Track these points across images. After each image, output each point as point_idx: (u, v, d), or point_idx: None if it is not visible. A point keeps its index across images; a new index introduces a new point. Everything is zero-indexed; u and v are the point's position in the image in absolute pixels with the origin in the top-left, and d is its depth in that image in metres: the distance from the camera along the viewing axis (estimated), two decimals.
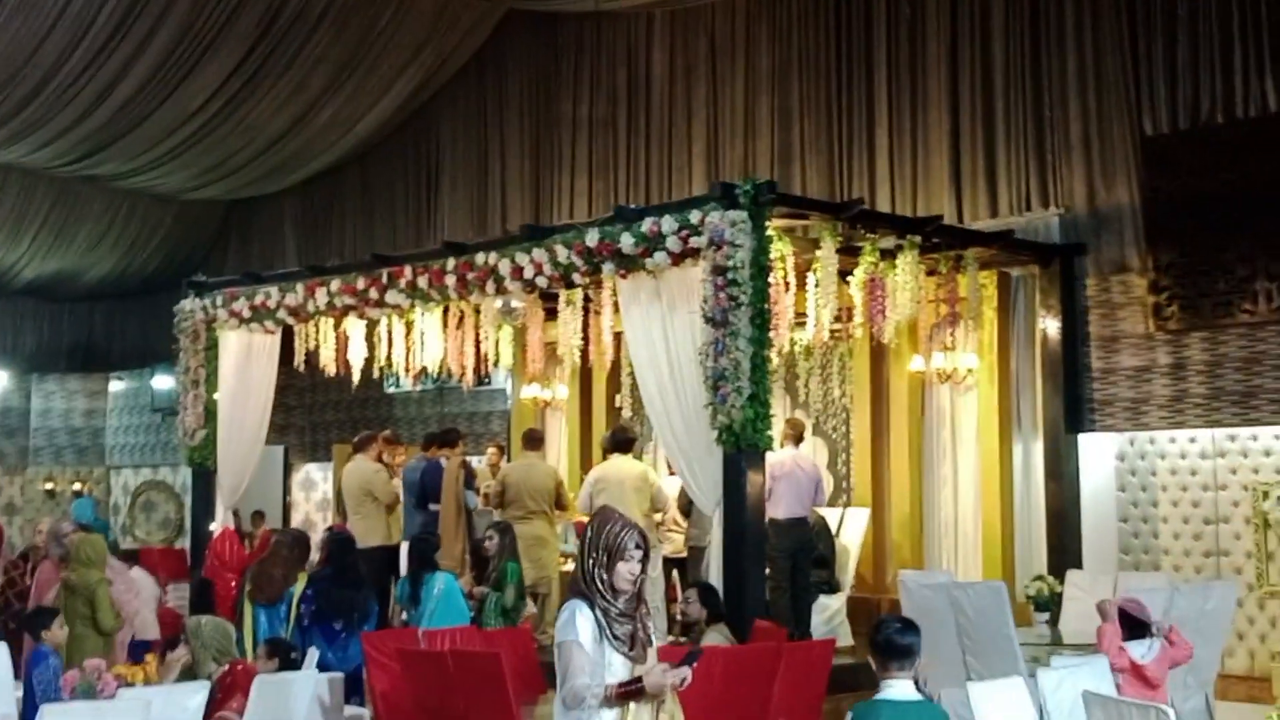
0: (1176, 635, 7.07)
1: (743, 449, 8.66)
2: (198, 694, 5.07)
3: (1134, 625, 7.05)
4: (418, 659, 6.68)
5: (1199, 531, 11.11)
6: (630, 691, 4.30)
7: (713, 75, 14.96)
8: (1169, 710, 4.10)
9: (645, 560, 4.50)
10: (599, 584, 4.44)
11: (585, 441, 14.12)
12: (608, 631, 4.40)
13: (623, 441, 10.76)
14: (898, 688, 4.58)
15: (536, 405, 14.47)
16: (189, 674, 5.96)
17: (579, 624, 4.38)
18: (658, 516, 10.61)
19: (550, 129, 16.49)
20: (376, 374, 13.32)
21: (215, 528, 12.44)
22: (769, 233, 8.93)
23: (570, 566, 12.03)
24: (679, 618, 8.09)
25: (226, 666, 6.13)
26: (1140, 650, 6.85)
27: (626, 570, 4.44)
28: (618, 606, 4.44)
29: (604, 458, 11.29)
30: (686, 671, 4.32)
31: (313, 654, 7.16)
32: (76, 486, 21.23)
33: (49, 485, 21.12)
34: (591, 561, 4.47)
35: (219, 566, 11.05)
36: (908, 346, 11.73)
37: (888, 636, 4.63)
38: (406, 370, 12.70)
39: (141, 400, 20.98)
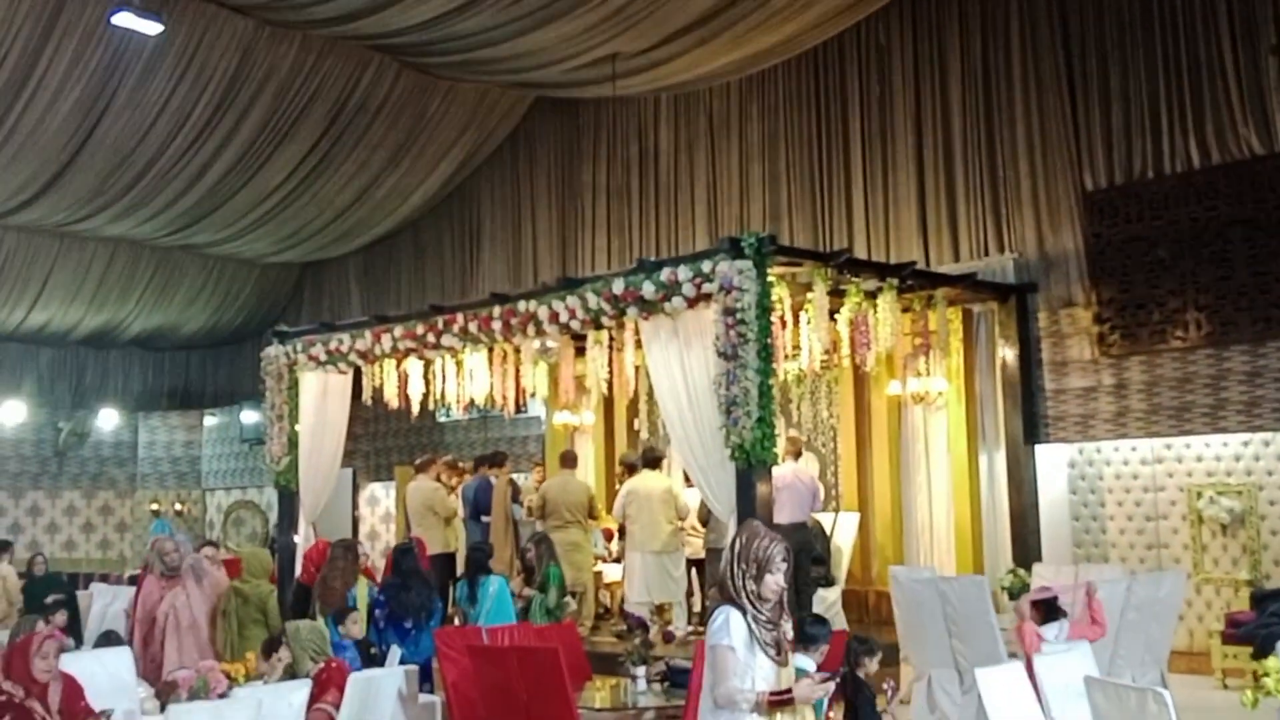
0: (1099, 614, 6.87)
1: (752, 464, 8.50)
2: (300, 690, 4.86)
3: (1049, 610, 6.90)
4: (485, 653, 6.45)
5: (1142, 528, 10.94)
6: (781, 701, 4.05)
7: (711, 147, 14.86)
8: (1165, 693, 3.86)
9: (789, 571, 4.22)
10: (747, 594, 4.15)
11: (609, 460, 13.96)
12: (758, 638, 4.12)
13: (652, 460, 10.64)
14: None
15: (567, 430, 14.28)
16: (289, 672, 5.73)
17: (733, 629, 4.11)
18: (680, 523, 10.43)
19: (574, 195, 16.39)
20: (431, 406, 13.15)
21: (299, 539, 12.26)
22: (770, 279, 8.79)
23: (600, 568, 11.87)
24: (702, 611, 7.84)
25: (322, 664, 5.91)
26: (1052, 633, 6.81)
27: (774, 581, 4.15)
28: (764, 614, 4.15)
29: (628, 474, 11.16)
30: (831, 685, 4.12)
31: (395, 652, 6.96)
32: (177, 507, 21.12)
33: (154, 506, 21.00)
34: (741, 572, 4.17)
35: (315, 572, 10.82)
36: (886, 373, 11.60)
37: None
38: (457, 402, 12.52)
39: (231, 433, 20.86)
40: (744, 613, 4.10)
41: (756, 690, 4.02)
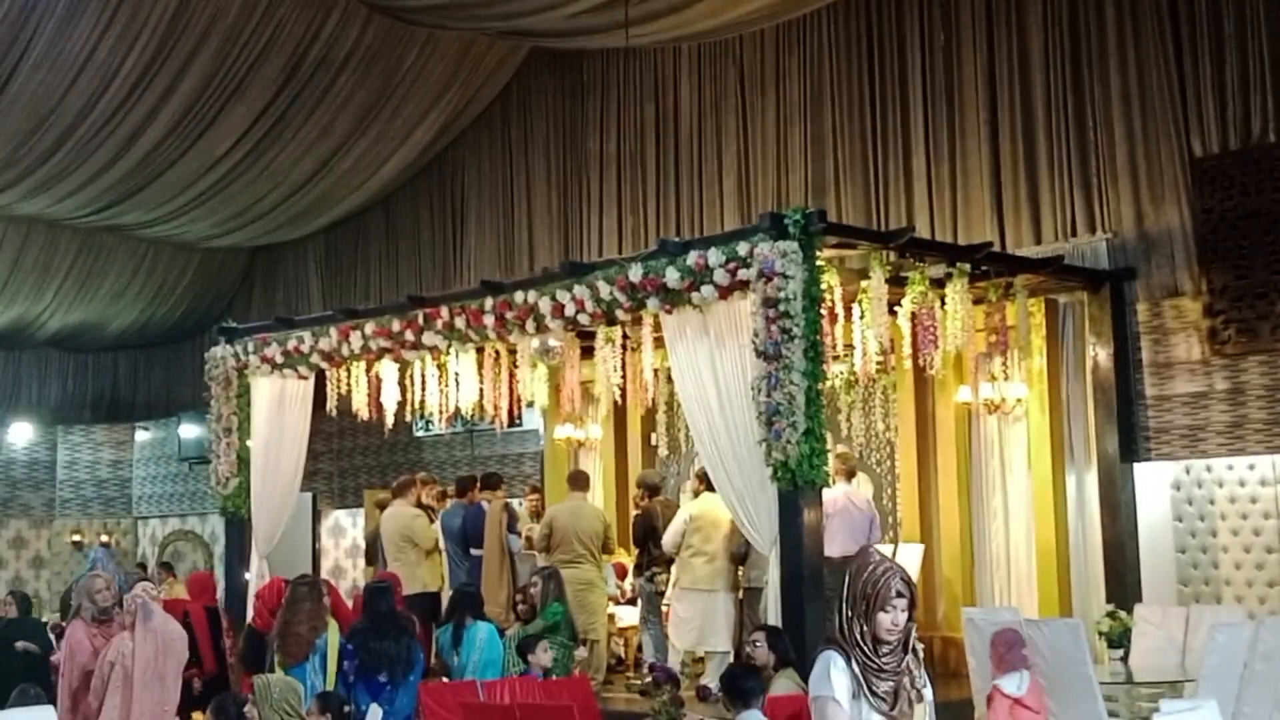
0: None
1: (799, 485, 8.51)
2: None
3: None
4: (482, 712, 6.39)
5: (1261, 561, 10.87)
6: None
7: (743, 107, 14.81)
8: None
9: (912, 607, 4.06)
10: (857, 636, 4.03)
11: (620, 483, 13.91)
12: (865, 688, 4.00)
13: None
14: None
15: (570, 445, 14.25)
16: None
17: (834, 678, 3.99)
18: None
19: (577, 166, 16.37)
20: (408, 417, 13.12)
21: (250, 577, 12.22)
22: (819, 263, 8.75)
23: (613, 610, 11.82)
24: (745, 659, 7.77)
25: None
26: (1013, 685, 6.96)
27: (888, 620, 4.01)
28: (878, 661, 4.02)
29: (646, 497, 11.14)
30: None
31: (375, 712, 6.91)
32: (103, 538, 21.09)
33: (76, 537, 21.03)
34: (850, 611, 4.05)
35: (266, 614, 10.77)
36: (954, 377, 11.53)
37: (731, 680, 5.69)
38: (440, 413, 12.48)
39: (168, 449, 20.86)
40: (849, 658, 4.01)
41: None
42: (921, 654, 4.18)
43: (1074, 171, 12.04)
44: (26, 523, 21.12)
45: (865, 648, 4.02)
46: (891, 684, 4.02)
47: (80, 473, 21.49)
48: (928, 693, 4.15)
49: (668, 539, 10.50)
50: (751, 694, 5.62)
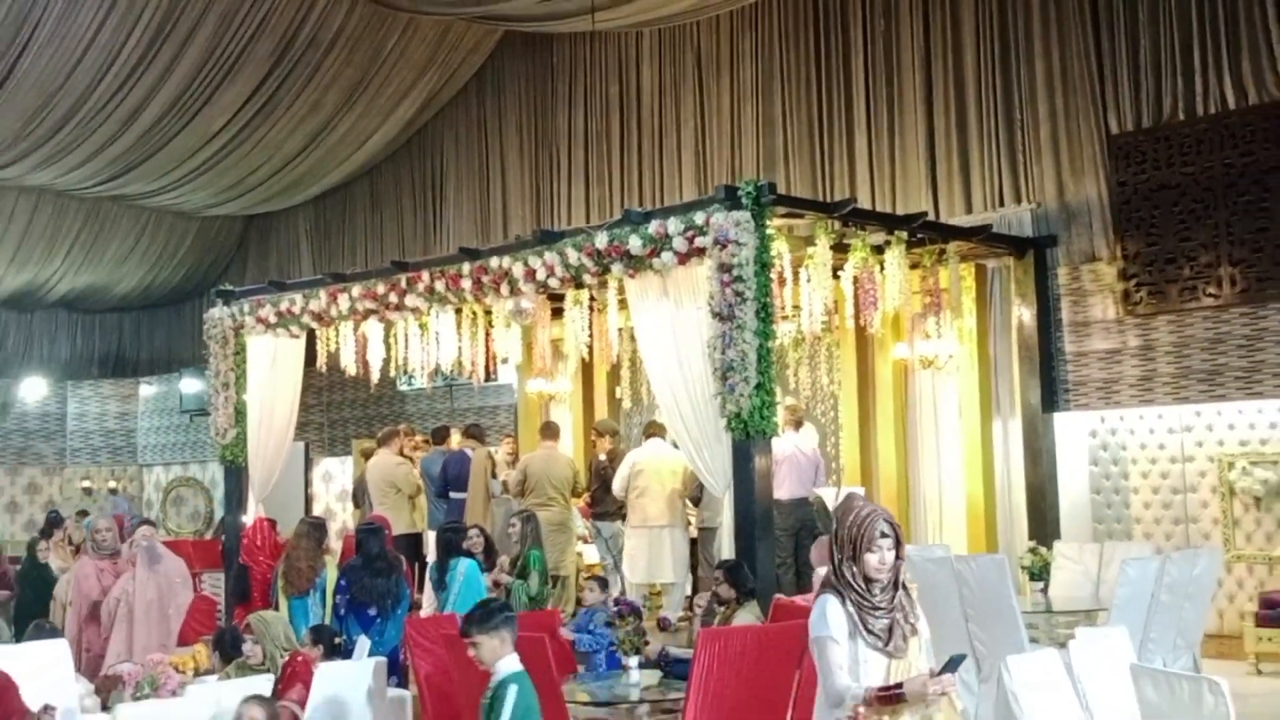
0: None
1: (750, 435, 8.49)
2: (263, 687, 4.80)
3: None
4: (458, 643, 6.39)
5: (1168, 501, 10.99)
6: (889, 697, 3.83)
7: (699, 87, 14.75)
8: (1221, 681, 3.85)
9: (898, 546, 4.00)
10: (849, 577, 3.98)
11: (588, 432, 13.90)
12: (861, 626, 3.94)
13: (656, 430, 10.63)
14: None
15: (541, 399, 14.23)
16: (253, 669, 5.68)
17: (830, 618, 3.94)
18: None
19: (548, 141, 16.28)
20: (392, 373, 13.07)
21: (248, 519, 12.21)
22: (769, 231, 8.73)
23: (580, 549, 11.83)
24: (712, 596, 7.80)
25: (287, 657, 5.87)
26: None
27: (876, 560, 3.96)
28: (871, 599, 3.96)
29: (600, 439, 11.27)
30: (951, 679, 3.82)
31: (363, 643, 6.92)
32: (111, 484, 21.00)
33: (86, 483, 20.92)
34: (840, 554, 4.00)
35: (254, 551, 10.78)
36: (892, 336, 11.60)
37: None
38: (422, 369, 12.44)
39: (170, 403, 20.75)
40: (844, 599, 3.97)
41: (864, 686, 3.86)
42: (915, 592, 4.14)
43: (1001, 147, 12.07)
44: (40, 470, 21.01)
45: (858, 588, 3.97)
46: (886, 621, 3.97)
47: (89, 424, 21.35)
48: (922, 627, 4.10)
49: (617, 484, 10.54)
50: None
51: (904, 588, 4.05)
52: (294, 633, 7.35)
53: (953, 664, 3.88)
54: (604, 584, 8.65)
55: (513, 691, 4.55)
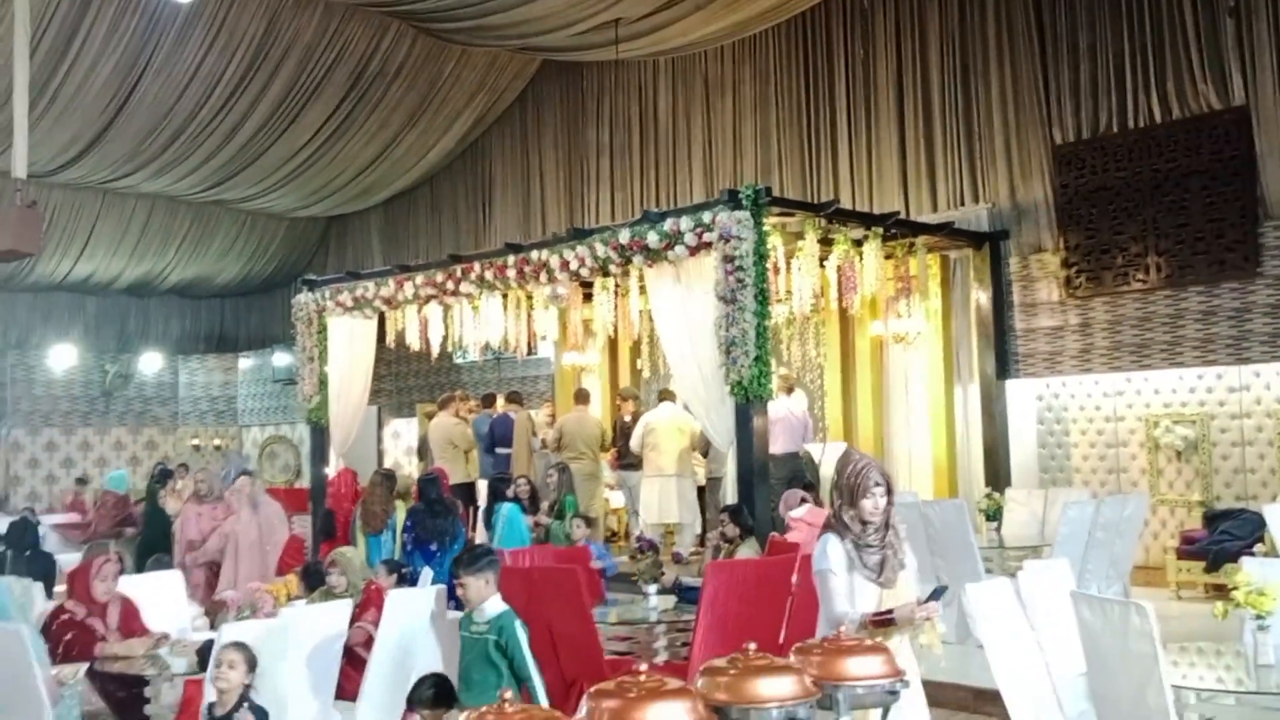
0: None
1: (750, 399, 8.53)
2: (345, 610, 4.82)
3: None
4: (508, 574, 6.40)
5: (1103, 454, 10.92)
6: (882, 621, 3.81)
7: (707, 107, 14.64)
8: (1147, 605, 3.83)
9: (890, 493, 3.97)
10: (846, 519, 3.93)
11: (614, 397, 13.91)
12: (857, 561, 3.89)
13: (667, 395, 10.61)
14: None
15: (574, 370, 14.23)
16: (336, 595, 5.70)
17: (830, 554, 3.91)
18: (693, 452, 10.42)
19: (580, 153, 16.19)
20: (449, 348, 13.08)
21: (330, 471, 12.26)
22: (765, 228, 8.70)
23: (608, 495, 11.86)
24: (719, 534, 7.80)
25: (362, 586, 5.89)
26: (800, 512, 7.69)
27: (870, 504, 3.91)
28: (866, 538, 3.91)
29: (623, 403, 11.14)
30: (935, 606, 3.80)
31: (426, 573, 6.94)
32: (216, 442, 21.10)
33: (195, 441, 21.00)
34: (839, 500, 3.96)
35: (339, 498, 10.82)
36: (869, 315, 11.56)
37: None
38: (474, 344, 12.45)
39: (264, 374, 20.80)
40: (842, 538, 3.93)
41: (860, 612, 3.84)
42: (904, 532, 4.07)
43: (962, 155, 11.96)
44: (156, 430, 21.11)
45: (854, 528, 3.93)
46: (878, 556, 3.93)
47: (197, 391, 21.43)
48: (910, 561, 4.05)
49: (634, 440, 10.56)
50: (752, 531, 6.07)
51: (894, 528, 4.02)
52: (369, 565, 7.40)
53: (937, 594, 3.87)
54: (589, 522, 8.62)
55: (519, 626, 4.40)
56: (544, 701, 4.40)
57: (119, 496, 12.98)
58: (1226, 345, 10.12)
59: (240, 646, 4.43)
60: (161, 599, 6.62)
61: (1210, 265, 10.20)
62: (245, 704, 4.31)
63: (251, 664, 4.37)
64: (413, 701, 4.25)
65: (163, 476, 12.98)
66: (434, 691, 4.26)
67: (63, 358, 19.87)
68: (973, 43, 11.93)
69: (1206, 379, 10.31)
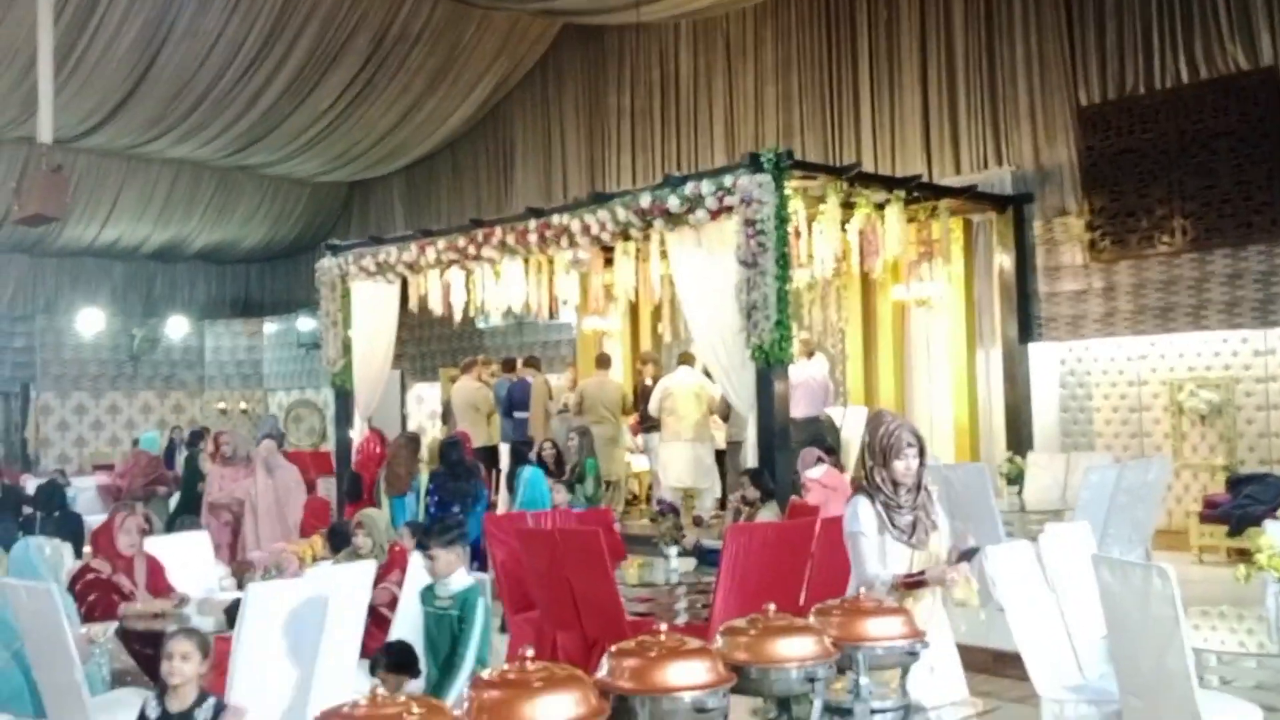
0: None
1: (771, 364, 8.49)
2: (370, 571, 4.86)
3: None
4: (531, 536, 6.45)
5: (1126, 419, 10.87)
6: (914, 582, 3.78)
7: (729, 70, 14.52)
8: (1168, 568, 3.80)
9: (922, 454, 3.88)
10: (879, 480, 3.85)
11: (635, 362, 13.88)
12: (888, 523, 3.82)
13: (686, 359, 10.56)
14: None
15: (596, 334, 14.17)
16: (362, 556, 5.74)
17: (861, 516, 3.84)
18: (711, 416, 10.39)
19: (601, 117, 16.11)
20: (471, 313, 13.09)
21: (354, 434, 12.32)
22: (786, 192, 8.64)
23: (629, 459, 11.86)
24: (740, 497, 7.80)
25: (387, 547, 5.94)
26: (817, 473, 7.76)
27: (902, 466, 3.83)
28: (898, 500, 3.83)
29: (644, 366, 11.15)
30: (966, 567, 3.75)
31: None
32: (243, 405, 21.25)
33: (221, 404, 21.16)
34: (871, 461, 3.88)
35: (366, 460, 10.88)
36: (891, 279, 11.42)
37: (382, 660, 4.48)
38: (496, 309, 12.43)
39: (289, 338, 20.91)
40: (874, 500, 3.86)
41: (892, 573, 3.78)
42: (935, 493, 4.01)
43: (986, 117, 11.83)
44: (184, 393, 21.28)
45: (886, 490, 3.86)
46: (910, 518, 3.86)
47: (223, 355, 21.57)
48: (942, 523, 3.98)
49: (651, 404, 10.53)
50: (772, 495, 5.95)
51: (926, 490, 3.95)
52: (393, 527, 7.45)
53: (968, 554, 3.84)
54: (570, 487, 8.60)
55: (481, 603, 4.21)
56: (456, 692, 4.13)
57: (151, 457, 13.11)
58: (1252, 308, 10.02)
59: (190, 634, 4.00)
60: (190, 559, 6.68)
61: (1237, 227, 10.08)
62: (208, 699, 3.85)
63: (206, 651, 3.93)
64: (375, 666, 4.10)
65: (194, 438, 13.13)
66: (394, 659, 4.11)
67: (91, 322, 20.02)
68: (998, 2, 11.76)
69: (1231, 342, 10.22)
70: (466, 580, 4.27)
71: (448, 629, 4.13)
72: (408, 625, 4.86)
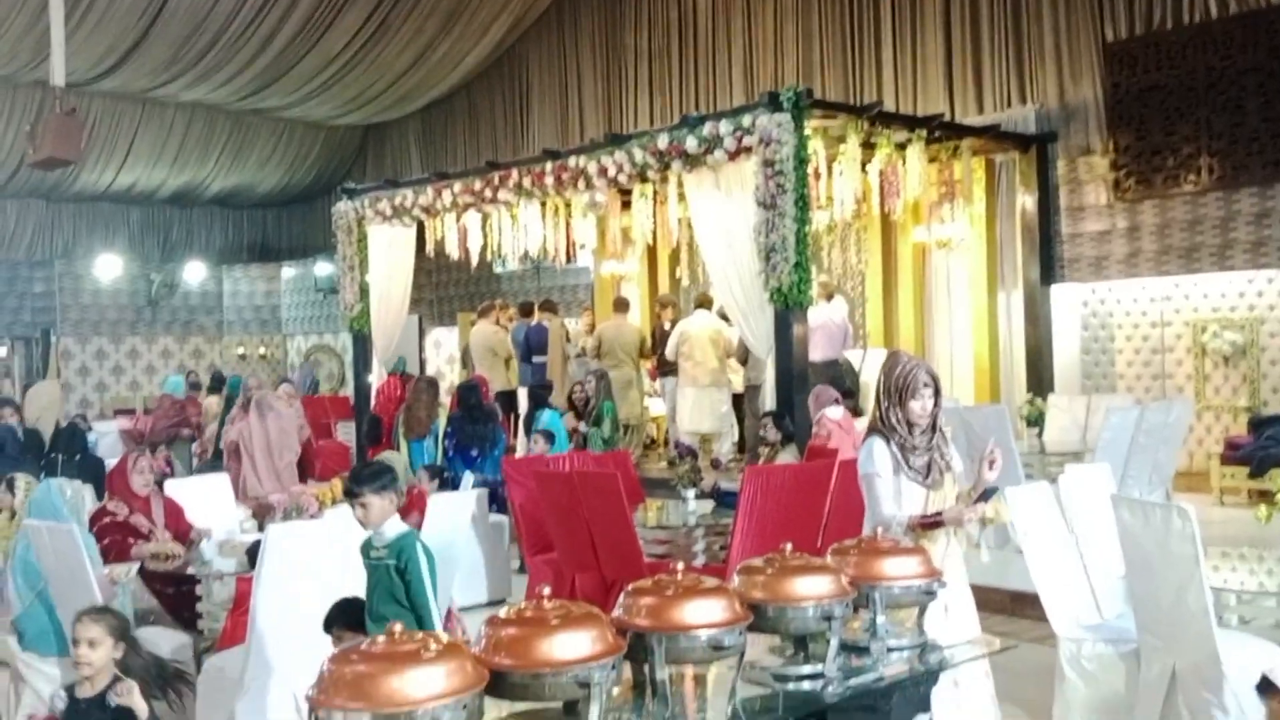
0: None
1: (789, 306, 8.44)
2: None
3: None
4: (549, 478, 6.48)
5: (1148, 360, 10.81)
6: (930, 523, 3.77)
7: (748, 8, 14.31)
8: (1189, 508, 3.79)
9: (937, 394, 3.85)
10: (894, 420, 3.81)
11: (653, 305, 13.84)
12: (903, 464, 3.80)
13: (703, 302, 10.54)
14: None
15: (614, 278, 14.17)
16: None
17: (876, 457, 3.82)
18: (728, 360, 10.38)
19: (618, 57, 15.94)
20: (488, 257, 13.06)
21: (373, 379, 12.37)
22: (806, 132, 8.54)
23: (647, 403, 11.88)
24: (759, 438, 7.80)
25: (405, 489, 5.98)
26: (836, 413, 7.70)
27: (918, 406, 3.79)
28: (913, 440, 3.81)
29: (662, 310, 11.06)
30: (983, 507, 3.75)
31: (468, 477, 7.02)
32: (261, 350, 21.34)
33: (240, 350, 21.26)
34: (886, 401, 3.84)
35: (386, 404, 10.92)
36: (912, 221, 11.36)
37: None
38: (513, 253, 12.40)
39: (307, 283, 20.93)
40: (889, 440, 3.83)
41: (907, 514, 3.77)
42: (950, 434, 3.98)
43: (1010, 54, 11.65)
44: (202, 339, 21.38)
45: (901, 430, 3.83)
46: (925, 459, 3.84)
47: (241, 300, 21.62)
48: (956, 464, 3.96)
49: (668, 349, 10.53)
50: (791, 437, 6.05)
51: (941, 430, 3.92)
52: (411, 470, 7.50)
53: (986, 495, 3.83)
54: (550, 437, 8.62)
55: (420, 550, 3.93)
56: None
57: (175, 400, 13.21)
58: (1279, 248, 9.89)
59: (99, 617, 3.60)
60: (212, 500, 6.76)
61: (1265, 166, 9.94)
62: (121, 681, 3.47)
63: (119, 633, 3.57)
64: (330, 624, 3.85)
65: (216, 381, 13.22)
66: (354, 616, 3.85)
67: (109, 267, 20.09)
68: None
69: (1257, 283, 10.12)
70: (401, 527, 3.99)
71: (385, 583, 3.88)
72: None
